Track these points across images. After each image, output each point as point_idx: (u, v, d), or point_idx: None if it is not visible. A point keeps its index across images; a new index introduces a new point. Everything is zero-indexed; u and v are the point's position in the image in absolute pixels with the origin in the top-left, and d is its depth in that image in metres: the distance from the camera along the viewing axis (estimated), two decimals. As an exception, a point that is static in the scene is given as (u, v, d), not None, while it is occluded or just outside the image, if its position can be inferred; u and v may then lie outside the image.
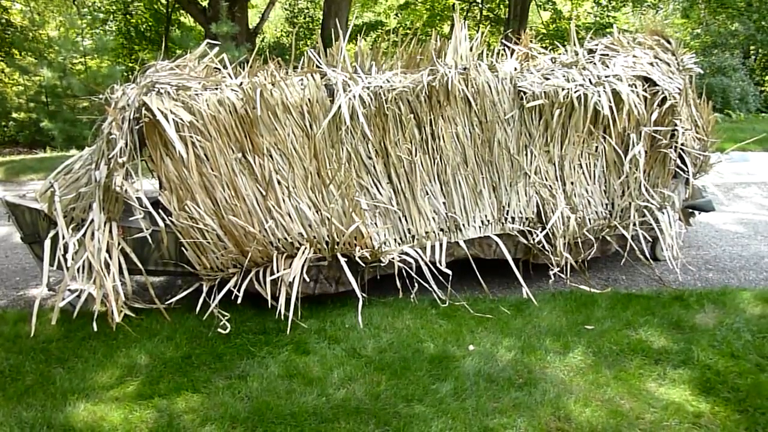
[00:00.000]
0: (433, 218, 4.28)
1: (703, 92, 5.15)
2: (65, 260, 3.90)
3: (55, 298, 4.03)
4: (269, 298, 3.95)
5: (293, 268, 3.93)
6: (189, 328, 4.02)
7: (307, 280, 3.99)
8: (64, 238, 3.94)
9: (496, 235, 4.35)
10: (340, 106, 3.94)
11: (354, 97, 3.95)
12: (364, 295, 4.07)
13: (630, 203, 4.52)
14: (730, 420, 2.93)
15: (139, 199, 3.86)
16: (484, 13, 15.62)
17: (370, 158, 4.18)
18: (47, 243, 3.98)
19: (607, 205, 4.56)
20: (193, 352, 3.72)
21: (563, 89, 4.22)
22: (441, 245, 4.22)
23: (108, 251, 3.88)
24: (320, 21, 13.70)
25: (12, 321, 4.28)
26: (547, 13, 14.89)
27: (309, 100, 4.03)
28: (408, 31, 13.72)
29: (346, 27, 13.49)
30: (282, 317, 3.88)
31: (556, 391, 3.17)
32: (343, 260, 4.09)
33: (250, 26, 12.89)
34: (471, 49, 4.51)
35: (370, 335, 3.83)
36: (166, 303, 4.16)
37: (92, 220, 3.88)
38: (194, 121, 3.83)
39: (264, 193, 4.02)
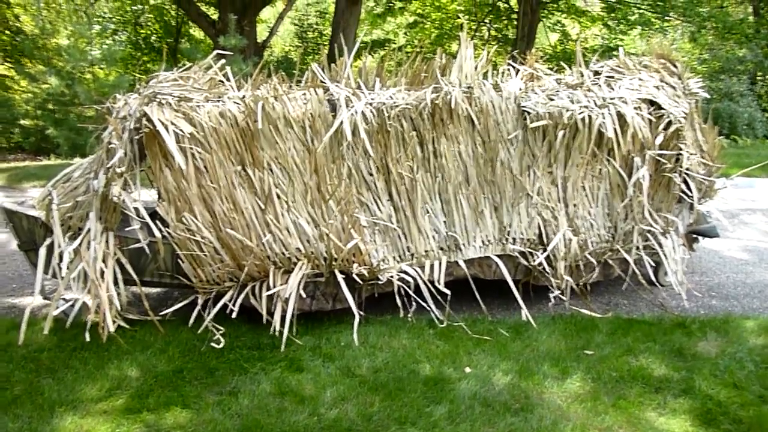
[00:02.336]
0: (433, 237, 4.23)
1: (708, 117, 5.11)
2: (60, 269, 3.86)
3: (49, 307, 4.00)
4: (265, 313, 3.90)
5: (290, 283, 3.88)
6: (182, 341, 3.97)
7: (304, 296, 3.94)
8: (60, 246, 3.91)
9: (496, 255, 4.30)
10: (342, 122, 3.92)
11: (356, 112, 3.92)
12: (361, 312, 4.01)
13: (633, 227, 4.46)
14: (731, 453, 2.85)
15: (136, 209, 3.83)
16: (492, 33, 15.68)
17: (371, 175, 4.14)
18: (42, 251, 3.95)
19: (609, 228, 4.51)
20: (185, 366, 3.66)
21: (567, 110, 4.18)
22: (440, 264, 4.17)
23: (104, 261, 3.84)
24: (329, 37, 13.76)
25: (5, 329, 4.24)
26: (555, 35, 14.93)
27: (311, 114, 4.00)
28: (416, 49, 13.79)
29: (354, 43, 13.55)
30: (277, 333, 3.83)
31: (552, 417, 3.09)
32: (340, 277, 4.05)
33: (259, 40, 12.97)
34: (476, 68, 4.49)
35: (365, 354, 3.77)
36: (161, 315, 4.11)
37: (89, 229, 3.85)
38: (195, 132, 3.81)
39: (263, 207, 3.99)
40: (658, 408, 3.21)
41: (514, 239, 4.34)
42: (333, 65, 4.38)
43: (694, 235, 5.01)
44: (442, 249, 4.25)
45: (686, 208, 4.73)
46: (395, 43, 14.56)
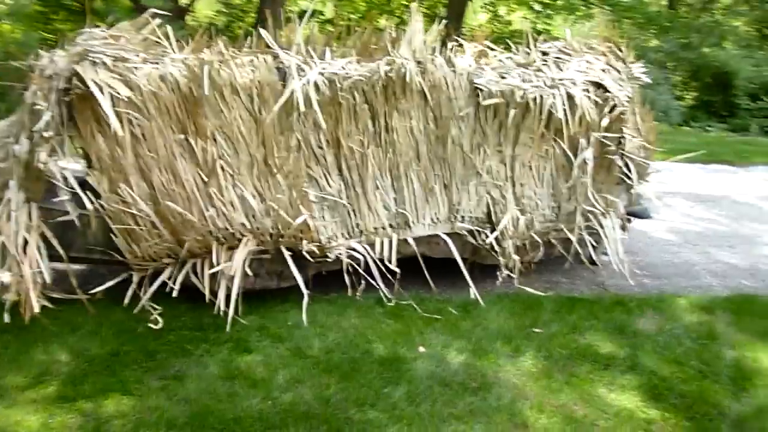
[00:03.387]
0: (383, 214, 4.13)
1: (644, 102, 5.26)
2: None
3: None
4: (207, 292, 3.68)
5: (235, 261, 3.67)
6: (116, 322, 3.69)
7: (249, 273, 3.74)
8: (-26, 218, 3.52)
9: (445, 233, 4.25)
10: (293, 91, 3.72)
11: (309, 82, 3.73)
12: (308, 291, 3.87)
13: (576, 207, 4.54)
14: (680, 427, 2.96)
15: (65, 177, 3.50)
16: (422, 10, 15.57)
17: (320, 148, 3.97)
18: (-46, 224, 3.54)
19: (553, 208, 4.56)
20: (121, 348, 3.41)
21: (519, 89, 4.17)
22: (390, 242, 4.08)
23: (26, 235, 3.49)
24: (257, 4, 13.24)
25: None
26: (484, 16, 15.07)
27: (259, 82, 3.77)
28: (348, 22, 13.50)
29: (283, 12, 13.11)
30: (221, 313, 3.63)
31: (510, 396, 3.10)
32: (287, 254, 3.88)
33: (182, 2, 12.29)
34: (425, 43, 4.39)
35: (315, 334, 3.64)
36: (89, 294, 3.79)
37: (9, 200, 3.48)
38: (132, 96, 3.50)
39: (205, 180, 3.74)
40: (608, 385, 3.28)
41: (462, 217, 4.31)
42: (279, 32, 4.15)
43: (628, 216, 5.17)
44: (391, 226, 4.16)
45: (625, 189, 4.86)
46: (323, 15, 14.23)
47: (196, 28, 12.26)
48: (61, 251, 3.62)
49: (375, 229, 4.12)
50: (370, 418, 2.86)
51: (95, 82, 3.37)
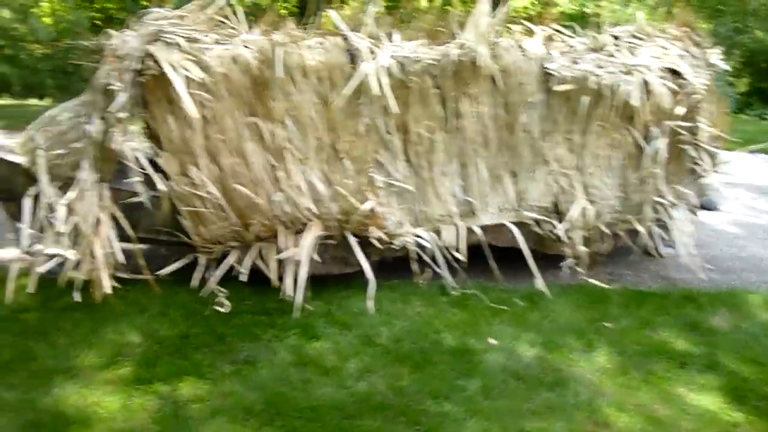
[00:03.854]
0: (449, 201, 4.05)
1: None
2: (49, 222, 3.51)
3: (31, 261, 3.65)
4: (274, 277, 3.66)
5: (303, 246, 3.64)
6: (182, 303, 3.70)
7: (317, 259, 3.70)
8: (47, 197, 3.54)
9: (511, 222, 4.16)
10: (364, 75, 3.64)
11: (380, 66, 3.65)
12: (381, 281, 3.82)
13: (645, 198, 4.39)
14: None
15: (137, 159, 3.49)
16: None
17: (388, 133, 3.90)
18: (27, 201, 3.56)
19: (622, 198, 4.42)
20: (190, 331, 3.41)
21: (594, 75, 4.02)
22: (456, 230, 4.00)
23: (98, 215, 3.50)
24: (299, -16, 13.15)
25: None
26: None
27: (329, 64, 3.70)
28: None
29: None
30: (286, 298, 3.61)
31: (588, 393, 3.01)
32: (353, 240, 3.83)
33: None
34: (491, 26, 4.26)
35: (382, 322, 3.59)
36: (156, 275, 3.80)
37: (82, 180, 3.49)
38: (204, 78, 3.46)
39: (273, 163, 3.70)
40: (687, 384, 3.17)
41: (529, 206, 4.20)
42: (343, 12, 4.06)
43: (696, 208, 5.00)
44: (457, 214, 4.08)
45: (693, 180, 4.69)
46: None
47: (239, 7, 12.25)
48: (130, 232, 3.63)
49: (441, 216, 4.05)
50: (446, 410, 2.81)
51: (170, 63, 3.33)
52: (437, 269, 3.96)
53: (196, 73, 3.40)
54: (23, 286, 3.62)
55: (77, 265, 3.49)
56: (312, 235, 3.70)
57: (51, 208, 3.52)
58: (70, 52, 8.71)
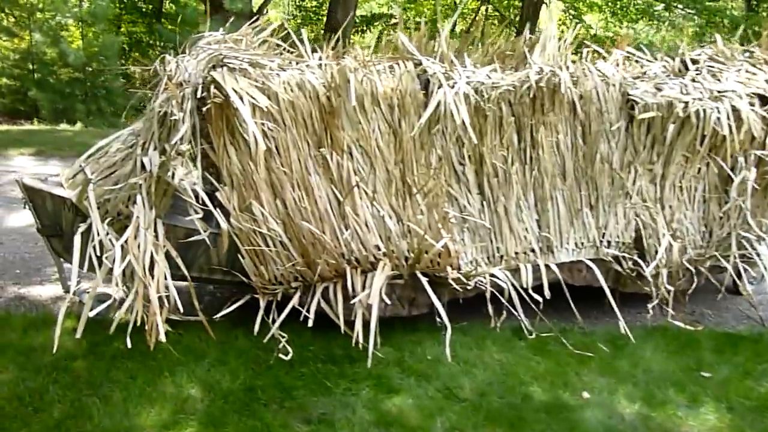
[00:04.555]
0: (525, 237, 3.75)
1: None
2: (100, 262, 3.24)
3: (71, 301, 3.39)
4: (342, 322, 3.36)
5: (374, 286, 3.34)
6: (241, 350, 3.41)
7: (387, 302, 3.41)
8: (98, 234, 3.27)
9: (589, 259, 3.85)
10: (438, 103, 3.38)
11: (459, 93, 3.38)
12: (440, 321, 3.52)
13: (730, 232, 4.08)
14: None
15: (195, 194, 3.23)
16: (491, 12, 15.16)
17: (461, 164, 3.62)
18: (77, 239, 3.29)
19: (704, 233, 4.11)
20: (254, 383, 3.11)
21: (680, 102, 3.74)
22: (533, 269, 3.70)
23: (153, 255, 3.23)
24: (326, 7, 13.03)
25: (20, 327, 3.59)
26: (556, 19, 14.49)
27: (401, 91, 3.44)
28: (417, 26, 13.12)
29: (354, 16, 12.82)
30: (354, 344, 3.30)
31: (708, 459, 2.68)
32: (424, 280, 3.53)
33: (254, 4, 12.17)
34: (558, 49, 4.01)
35: (461, 371, 3.28)
36: (212, 317, 3.51)
37: (137, 217, 3.22)
38: (269, 106, 3.21)
39: (340, 197, 3.43)
40: (812, 446, 2.83)
41: (609, 242, 3.90)
42: (410, 36, 3.81)
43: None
44: (533, 251, 3.78)
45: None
46: (394, 18, 13.91)
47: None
48: (185, 272, 3.36)
49: (516, 254, 3.75)
50: (556, 481, 2.49)
51: (235, 91, 3.08)
52: (514, 311, 3.64)
53: (263, 101, 3.15)
54: (67, 330, 3.35)
55: (128, 308, 3.21)
56: (383, 275, 3.40)
57: (102, 247, 3.25)
58: (100, 77, 8.58)
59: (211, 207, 3.21)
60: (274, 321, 3.39)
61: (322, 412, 2.89)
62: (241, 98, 3.09)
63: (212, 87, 3.13)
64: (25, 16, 8.62)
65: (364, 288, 3.40)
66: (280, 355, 3.30)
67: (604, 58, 4.26)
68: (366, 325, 3.32)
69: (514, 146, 3.67)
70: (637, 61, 4.17)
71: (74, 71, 8.51)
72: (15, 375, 3.10)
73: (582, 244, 3.86)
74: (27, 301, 4.06)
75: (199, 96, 3.13)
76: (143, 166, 3.28)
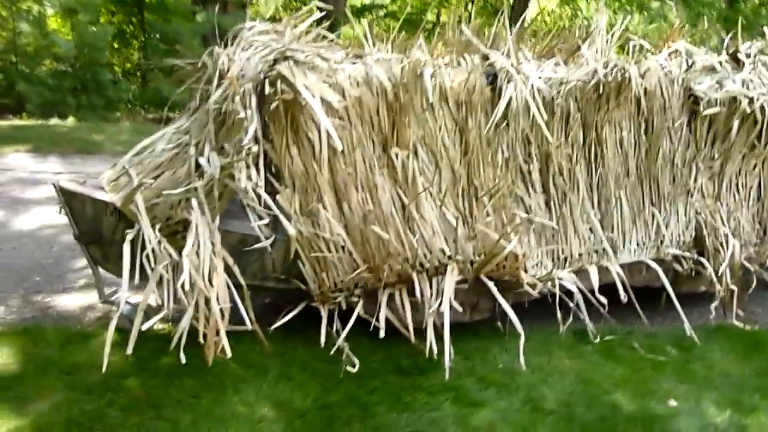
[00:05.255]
0: (588, 238, 3.63)
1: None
2: (152, 272, 2.99)
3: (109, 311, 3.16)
4: (411, 331, 3.18)
5: (445, 292, 3.17)
6: (303, 362, 3.21)
7: (458, 308, 3.24)
8: (149, 242, 3.02)
9: (651, 259, 3.74)
10: (510, 99, 3.21)
11: (533, 88, 3.22)
12: (504, 327, 3.38)
13: (783, 230, 4.02)
14: None
15: (258, 197, 3.00)
16: (478, 1, 15.03)
17: (526, 163, 3.47)
18: (126, 248, 3.03)
19: (758, 230, 4.05)
20: (327, 399, 2.92)
21: (746, 97, 3.64)
22: (597, 270, 3.57)
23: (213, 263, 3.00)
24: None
25: (57, 342, 3.33)
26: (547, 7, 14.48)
27: (468, 87, 3.27)
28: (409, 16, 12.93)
29: (344, 6, 12.54)
30: (420, 352, 3.14)
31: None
32: (491, 284, 3.38)
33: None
34: (607, 42, 3.88)
35: (539, 381, 3.14)
36: (267, 328, 3.30)
37: (195, 224, 2.98)
38: (339, 101, 3.01)
39: (405, 199, 3.24)
40: None
41: (669, 241, 3.79)
42: (468, 28, 3.63)
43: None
44: (596, 252, 3.65)
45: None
46: (385, 9, 13.66)
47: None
48: (241, 280, 3.13)
49: (580, 255, 3.62)
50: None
51: (306, 87, 2.86)
52: (581, 315, 3.51)
53: (333, 98, 2.93)
54: (103, 345, 3.12)
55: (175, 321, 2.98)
56: (452, 280, 3.24)
57: (155, 256, 3.00)
58: (91, 69, 8.18)
59: (276, 211, 3.00)
60: (337, 331, 3.20)
61: (411, 431, 2.71)
62: (312, 95, 2.87)
63: (279, 82, 2.90)
64: (7, 5, 8.14)
65: (432, 294, 3.23)
66: (348, 368, 3.11)
67: (650, 52, 4.15)
68: (436, 333, 3.16)
69: (578, 144, 3.53)
70: (690, 56, 4.05)
71: (62, 63, 8.07)
72: (65, 396, 2.85)
73: (643, 243, 3.75)
74: (54, 311, 3.78)
75: (266, 92, 2.90)
76: (198, 166, 3.06)
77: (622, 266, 3.71)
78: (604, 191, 3.63)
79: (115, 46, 11.67)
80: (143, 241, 3.03)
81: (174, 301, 2.99)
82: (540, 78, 3.32)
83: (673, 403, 3.01)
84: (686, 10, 12.50)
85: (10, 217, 5.11)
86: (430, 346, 3.10)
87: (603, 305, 3.52)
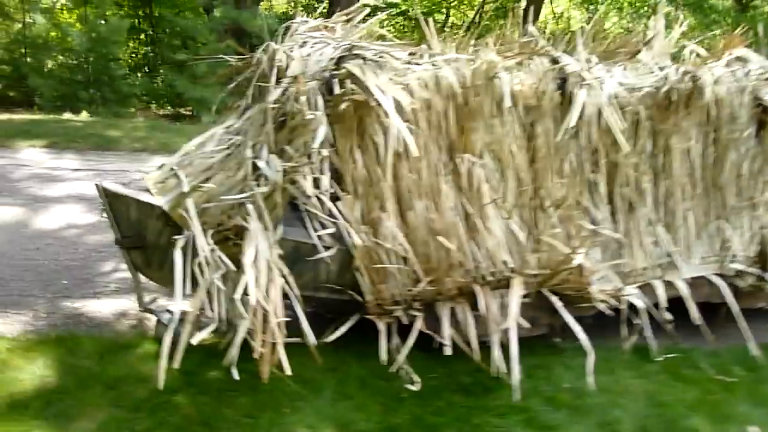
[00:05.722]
0: (654, 252, 3.47)
1: None
2: (205, 280, 2.80)
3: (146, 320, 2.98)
4: (476, 349, 3.01)
5: (512, 307, 3.01)
6: (360, 379, 3.03)
7: (527, 324, 3.07)
8: (203, 250, 2.83)
9: (715, 275, 3.59)
10: (584, 105, 3.05)
11: (611, 94, 3.06)
12: (558, 339, 3.23)
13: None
14: None
15: (322, 204, 2.83)
16: (488, 2, 14.88)
17: (593, 173, 3.31)
18: (178, 255, 2.84)
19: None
20: (391, 420, 2.75)
21: (817, 106, 3.50)
22: (663, 285, 3.42)
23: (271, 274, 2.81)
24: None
25: (95, 353, 3.13)
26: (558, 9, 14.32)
27: (538, 91, 3.10)
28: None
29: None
30: (479, 369, 2.97)
31: None
32: (554, 299, 3.21)
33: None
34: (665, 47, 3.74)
35: (608, 402, 2.97)
36: (320, 341, 3.11)
37: (252, 232, 2.79)
38: (411, 104, 2.83)
39: (468, 208, 3.07)
40: None
41: (733, 256, 3.64)
42: (533, 30, 3.47)
43: None
44: (660, 266, 3.50)
45: None
46: (398, 8, 13.47)
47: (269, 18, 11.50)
48: (297, 291, 2.95)
49: (644, 269, 3.46)
50: None
51: (378, 87, 2.68)
52: (645, 332, 3.36)
53: (403, 99, 2.76)
54: (146, 355, 2.95)
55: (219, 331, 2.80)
56: (518, 294, 3.07)
57: (209, 265, 2.81)
58: (105, 63, 7.95)
59: (340, 219, 2.82)
60: (397, 347, 3.03)
61: (485, 456, 2.55)
62: (384, 95, 2.69)
63: (348, 82, 2.72)
64: (19, -3, 7.88)
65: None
66: (409, 386, 2.93)
67: (708, 59, 4.00)
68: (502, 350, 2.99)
69: (646, 153, 3.37)
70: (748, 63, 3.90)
71: (75, 57, 7.81)
72: (112, 414, 2.67)
73: (707, 257, 3.59)
74: (86, 318, 3.58)
75: (334, 92, 2.72)
76: (255, 169, 2.87)
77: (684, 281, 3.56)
78: (671, 203, 3.47)
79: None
80: (193, 247, 2.85)
81: (224, 312, 2.81)
82: (616, 84, 3.16)
83: (754, 429, 2.86)
84: (700, 17, 12.40)
85: (31, 216, 4.90)
86: (497, 364, 2.93)
87: (670, 322, 3.37)
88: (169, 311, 3.29)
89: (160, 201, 3.02)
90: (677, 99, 3.32)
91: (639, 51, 3.67)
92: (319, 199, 2.80)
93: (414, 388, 2.93)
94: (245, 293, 2.68)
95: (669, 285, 3.49)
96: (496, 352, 2.96)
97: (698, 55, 3.98)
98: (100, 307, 3.71)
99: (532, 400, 2.95)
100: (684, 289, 3.41)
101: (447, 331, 2.99)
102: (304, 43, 3.12)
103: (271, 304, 2.77)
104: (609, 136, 3.22)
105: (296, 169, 2.69)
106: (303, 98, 2.71)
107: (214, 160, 3.07)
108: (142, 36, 11.18)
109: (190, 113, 8.23)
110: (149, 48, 10.25)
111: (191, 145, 3.16)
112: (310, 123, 2.65)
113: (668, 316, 3.38)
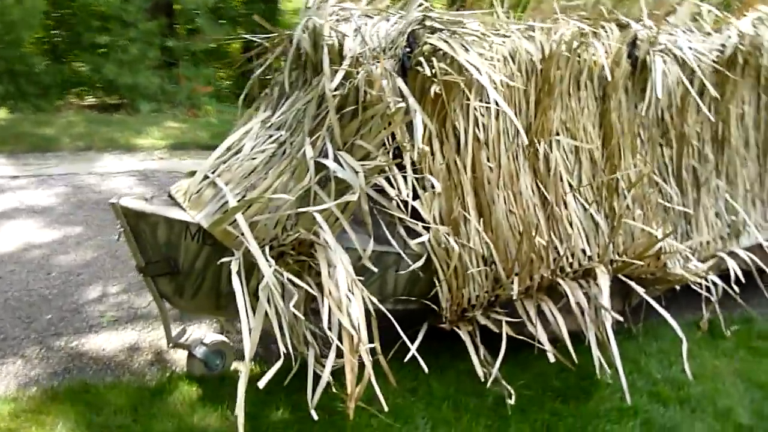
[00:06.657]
0: (718, 223, 3.32)
1: None
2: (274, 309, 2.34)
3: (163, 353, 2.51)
4: (570, 345, 2.73)
5: (603, 297, 2.74)
6: (446, 399, 2.69)
7: (619, 318, 2.82)
8: (264, 273, 2.35)
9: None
10: (663, 74, 2.80)
11: (686, 61, 2.83)
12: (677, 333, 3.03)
13: None
14: None
15: (404, 207, 2.42)
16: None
17: (661, 146, 3.08)
18: (237, 281, 2.34)
19: None
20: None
21: None
22: (731, 258, 3.29)
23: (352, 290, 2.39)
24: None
25: (126, 406, 2.58)
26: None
27: (611, 62, 2.82)
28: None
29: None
30: (564, 369, 2.71)
31: None
32: (633, 284, 2.98)
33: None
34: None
35: (711, 391, 2.81)
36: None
37: (328, 244, 2.35)
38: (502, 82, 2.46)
39: (546, 194, 2.77)
40: None
41: (787, 222, 3.57)
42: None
43: None
44: (722, 237, 3.36)
45: None
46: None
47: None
48: (379, 305, 2.53)
49: (708, 243, 3.31)
50: None
51: (473, 66, 2.28)
52: (718, 307, 3.22)
53: (494, 77, 2.37)
54: (187, 402, 2.49)
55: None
56: (606, 282, 2.81)
57: (278, 291, 2.34)
58: (18, 50, 6.91)
59: (429, 219, 2.43)
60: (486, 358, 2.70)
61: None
62: (479, 72, 2.30)
63: (434, 59, 2.30)
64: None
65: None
66: (508, 401, 2.62)
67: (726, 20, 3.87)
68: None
69: (707, 121, 3.19)
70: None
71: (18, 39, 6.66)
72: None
73: (762, 225, 3.50)
74: (90, 359, 2.99)
75: (420, 72, 2.30)
76: (317, 170, 2.41)
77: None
78: (731, 171, 3.32)
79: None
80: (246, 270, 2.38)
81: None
82: (690, 49, 2.92)
83: None
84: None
85: (40, 237, 4.11)
86: (599, 364, 2.67)
87: (737, 294, 3.24)
88: (204, 344, 2.80)
89: (197, 217, 2.49)
90: (741, 62, 3.14)
91: (671, 13, 3.46)
92: (399, 200, 2.39)
93: (511, 401, 2.62)
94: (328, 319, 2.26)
95: (733, 255, 3.37)
96: (595, 350, 2.70)
97: (717, 15, 3.83)
98: (103, 343, 3.12)
99: (635, 399, 2.72)
100: (747, 260, 3.29)
101: (543, 334, 2.68)
102: (344, 19, 2.65)
103: (356, 327, 2.36)
104: (677, 106, 3.00)
105: (383, 168, 2.26)
106: (381, 83, 2.27)
107: (256, 161, 2.57)
108: (48, 20, 9.86)
109: (122, 102, 7.36)
110: (58, 31, 9.06)
111: (226, 144, 2.63)
112: (397, 112, 2.22)
113: (736, 288, 3.25)
